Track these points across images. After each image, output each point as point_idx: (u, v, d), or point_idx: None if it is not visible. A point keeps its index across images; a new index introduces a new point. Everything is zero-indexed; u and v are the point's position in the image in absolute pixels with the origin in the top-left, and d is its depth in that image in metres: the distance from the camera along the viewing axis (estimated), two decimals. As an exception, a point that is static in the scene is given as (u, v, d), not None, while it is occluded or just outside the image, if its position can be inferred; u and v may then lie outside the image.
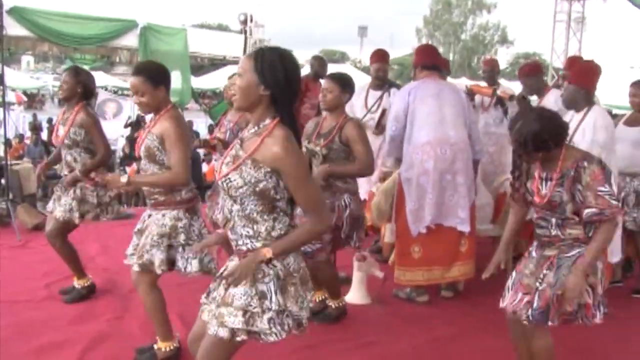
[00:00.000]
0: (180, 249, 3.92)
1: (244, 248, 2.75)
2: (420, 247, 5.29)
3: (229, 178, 2.67)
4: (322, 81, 4.73)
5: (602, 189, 3.23)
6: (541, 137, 3.28)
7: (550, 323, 3.39)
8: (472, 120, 5.41)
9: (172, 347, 4.13)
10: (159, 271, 3.89)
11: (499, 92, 6.53)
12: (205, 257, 3.98)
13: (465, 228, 5.25)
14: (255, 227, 2.72)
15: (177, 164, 3.75)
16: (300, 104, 6.78)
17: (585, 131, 4.96)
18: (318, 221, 2.68)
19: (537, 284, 3.43)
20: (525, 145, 3.32)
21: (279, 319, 2.70)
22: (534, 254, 3.55)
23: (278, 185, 2.66)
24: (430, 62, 5.45)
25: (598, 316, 3.40)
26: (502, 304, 3.63)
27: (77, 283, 5.26)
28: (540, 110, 3.50)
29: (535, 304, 3.40)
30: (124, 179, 3.72)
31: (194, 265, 3.94)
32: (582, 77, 5.17)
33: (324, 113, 4.83)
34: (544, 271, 3.42)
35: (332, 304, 4.94)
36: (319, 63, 7.56)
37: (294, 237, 2.71)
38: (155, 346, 4.13)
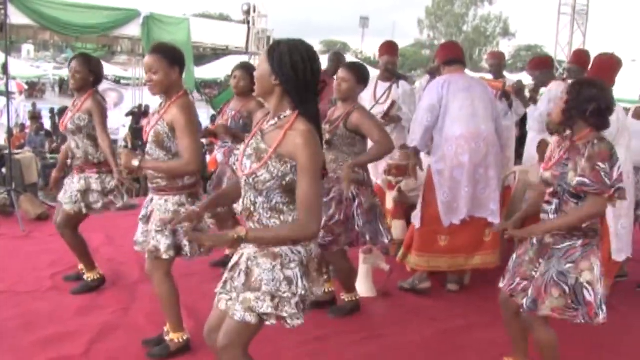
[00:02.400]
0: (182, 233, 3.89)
1: None
2: (448, 236, 5.38)
3: (256, 174, 2.66)
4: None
5: (601, 164, 3.24)
6: (588, 97, 3.31)
7: (538, 312, 3.42)
8: (498, 114, 5.47)
9: (184, 338, 4.12)
10: (165, 256, 3.87)
11: (508, 85, 6.50)
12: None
13: (496, 219, 5.30)
14: (282, 217, 2.72)
15: (188, 152, 3.71)
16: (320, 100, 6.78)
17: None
18: (304, 222, 2.63)
19: (533, 272, 3.49)
20: (572, 95, 3.34)
21: (303, 303, 2.75)
22: (534, 240, 3.56)
23: None
24: (455, 57, 5.48)
25: (601, 316, 3.40)
26: (500, 284, 3.73)
27: (87, 276, 5.22)
28: (604, 84, 3.50)
29: (529, 292, 3.45)
30: (135, 162, 3.70)
31: (192, 248, 3.93)
32: (603, 70, 5.16)
33: (338, 103, 4.81)
34: (540, 260, 3.47)
35: (345, 297, 4.95)
36: (339, 59, 7.51)
37: (274, 230, 2.72)
38: (167, 337, 4.11)
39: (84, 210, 4.96)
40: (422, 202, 5.48)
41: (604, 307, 3.41)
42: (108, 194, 5.02)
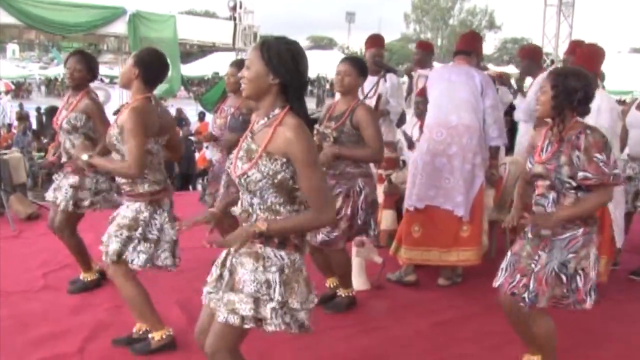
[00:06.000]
0: (136, 241, 3.87)
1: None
2: (420, 227, 5.38)
3: (247, 174, 2.65)
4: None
5: (598, 155, 3.26)
6: (575, 87, 3.33)
7: (538, 305, 3.42)
8: (490, 105, 5.31)
9: (165, 335, 4.08)
10: (106, 260, 3.88)
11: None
12: (162, 254, 3.95)
13: (460, 212, 5.27)
14: (278, 218, 2.70)
15: (128, 156, 3.70)
16: None
17: (590, 115, 4.93)
18: (318, 212, 2.64)
19: (533, 265, 3.46)
20: (558, 87, 3.35)
21: (281, 311, 2.69)
22: (530, 234, 3.55)
23: (295, 174, 2.64)
24: (459, 48, 5.56)
25: (588, 301, 3.42)
26: (495, 284, 3.68)
27: (83, 276, 5.19)
28: (585, 72, 3.53)
29: (531, 287, 3.43)
30: (84, 155, 3.74)
31: (141, 260, 3.88)
32: (587, 60, 5.16)
33: (337, 96, 4.80)
34: (539, 252, 3.45)
35: (342, 293, 4.94)
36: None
37: (293, 220, 2.70)
38: (150, 336, 4.08)
39: (70, 208, 4.89)
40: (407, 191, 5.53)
41: (593, 294, 3.43)
42: (98, 194, 4.98)
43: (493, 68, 7.79)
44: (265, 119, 2.69)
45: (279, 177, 2.62)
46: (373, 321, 4.77)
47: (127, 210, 3.88)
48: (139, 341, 4.11)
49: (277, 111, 2.67)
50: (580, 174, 3.29)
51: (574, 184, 3.34)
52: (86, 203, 4.95)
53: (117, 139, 3.78)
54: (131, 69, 3.85)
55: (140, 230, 3.86)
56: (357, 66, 4.65)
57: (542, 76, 6.13)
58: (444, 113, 5.29)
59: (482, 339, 4.50)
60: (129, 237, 3.84)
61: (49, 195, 5.05)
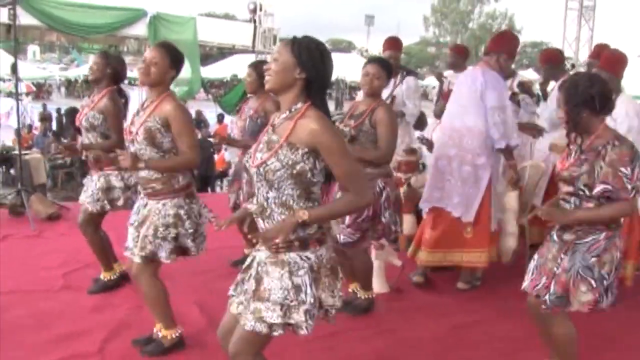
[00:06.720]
0: (189, 235, 3.90)
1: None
2: (429, 229, 5.41)
3: (266, 163, 2.66)
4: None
5: (623, 170, 3.23)
6: (590, 92, 3.29)
7: (571, 309, 3.41)
8: (490, 107, 5.16)
9: (176, 335, 4.11)
10: (168, 261, 3.88)
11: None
12: (199, 240, 4.00)
13: (457, 213, 5.27)
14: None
15: (190, 147, 3.79)
16: None
17: (616, 119, 4.89)
18: (358, 195, 2.68)
19: (555, 268, 3.45)
20: (575, 96, 3.32)
21: (314, 311, 2.71)
22: (555, 237, 3.55)
23: (315, 167, 2.66)
24: (486, 50, 5.49)
25: (604, 302, 3.41)
26: (523, 286, 3.68)
27: (103, 275, 5.21)
28: (595, 74, 3.53)
29: (552, 289, 3.43)
30: (141, 164, 3.72)
31: (192, 249, 3.95)
32: (612, 64, 5.15)
33: (360, 96, 4.81)
34: (562, 255, 3.44)
35: (362, 295, 4.92)
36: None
37: (332, 206, 2.77)
38: (160, 334, 4.10)
39: (107, 207, 4.93)
40: None
41: (610, 295, 3.41)
42: (129, 189, 4.96)
43: (522, 73, 7.68)
44: (287, 112, 2.71)
45: (298, 167, 2.63)
46: (390, 323, 4.77)
47: (165, 208, 3.85)
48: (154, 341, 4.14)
49: (299, 105, 2.69)
50: (601, 186, 3.26)
51: (587, 192, 3.33)
52: (120, 202, 4.95)
53: (161, 132, 3.78)
54: (169, 70, 3.85)
55: (188, 223, 3.89)
56: (386, 69, 4.67)
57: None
58: (450, 117, 5.39)
59: (497, 344, 4.48)
60: (177, 234, 3.87)
61: (81, 198, 5.09)
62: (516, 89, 6.33)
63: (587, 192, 3.33)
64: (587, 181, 3.31)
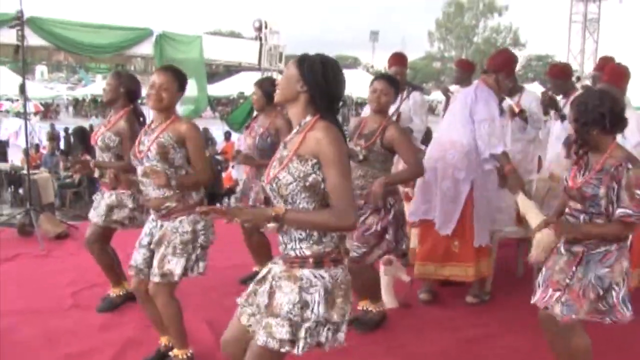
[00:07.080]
0: (198, 251, 3.93)
1: (293, 253, 2.74)
2: (418, 242, 5.49)
3: (278, 177, 2.67)
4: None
5: (639, 192, 3.24)
6: (600, 110, 3.31)
7: (574, 316, 3.41)
8: (477, 121, 5.13)
9: (188, 355, 4.11)
10: (177, 279, 3.89)
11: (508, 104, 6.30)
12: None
13: (436, 225, 5.29)
14: (299, 208, 2.70)
15: (201, 164, 3.92)
16: None
17: (624, 133, 4.87)
18: (339, 214, 2.60)
19: (567, 280, 3.45)
20: (585, 114, 3.34)
21: (316, 330, 2.70)
22: (562, 250, 3.55)
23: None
24: (485, 67, 5.46)
25: (627, 314, 3.42)
26: (532, 300, 3.67)
27: (112, 291, 5.23)
28: (606, 91, 3.53)
29: (564, 298, 3.44)
30: (172, 180, 3.80)
31: (201, 267, 3.97)
32: (616, 76, 5.16)
33: (366, 112, 4.81)
34: (573, 268, 3.44)
35: (372, 308, 4.91)
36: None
37: (312, 214, 2.68)
38: (171, 354, 4.11)
39: (113, 225, 4.96)
40: None
41: (628, 305, 3.42)
42: (136, 209, 4.98)
43: (527, 87, 7.57)
44: (298, 127, 2.75)
45: (310, 179, 2.63)
46: (399, 338, 4.76)
47: (182, 225, 3.88)
48: (164, 357, 4.13)
49: (308, 118, 2.72)
50: (621, 211, 3.27)
51: (605, 216, 3.35)
52: (126, 220, 4.99)
53: (175, 147, 3.84)
54: (178, 93, 3.92)
55: (201, 239, 3.92)
56: (394, 85, 4.69)
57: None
58: (440, 131, 5.52)
59: (507, 357, 4.47)
60: (193, 248, 3.90)
61: (90, 214, 5.11)
62: (523, 105, 6.26)
63: (604, 216, 3.34)
64: (606, 205, 3.33)
